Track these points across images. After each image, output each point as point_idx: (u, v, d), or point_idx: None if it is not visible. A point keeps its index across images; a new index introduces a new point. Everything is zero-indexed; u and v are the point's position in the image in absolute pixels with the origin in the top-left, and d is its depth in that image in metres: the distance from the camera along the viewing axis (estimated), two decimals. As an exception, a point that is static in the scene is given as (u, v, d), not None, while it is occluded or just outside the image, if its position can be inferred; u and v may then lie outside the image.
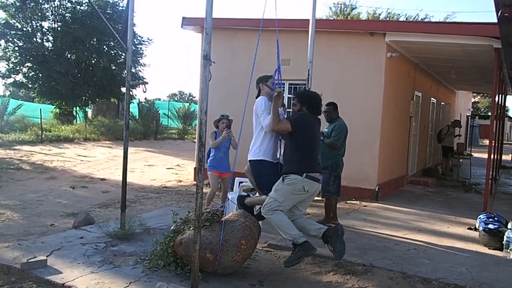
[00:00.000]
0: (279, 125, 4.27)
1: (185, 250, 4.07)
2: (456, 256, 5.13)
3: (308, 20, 5.53)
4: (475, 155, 17.41)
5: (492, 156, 8.07)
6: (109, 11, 22.23)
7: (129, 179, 8.01)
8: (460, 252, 5.30)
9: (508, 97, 15.93)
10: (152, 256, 4.37)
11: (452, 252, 5.27)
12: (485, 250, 5.44)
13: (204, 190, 4.26)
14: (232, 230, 4.13)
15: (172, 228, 4.50)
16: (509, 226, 5.50)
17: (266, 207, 4.12)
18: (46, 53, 21.58)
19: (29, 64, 21.89)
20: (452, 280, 4.28)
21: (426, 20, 25.59)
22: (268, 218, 4.12)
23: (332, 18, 25.57)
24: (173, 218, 4.62)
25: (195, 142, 12.10)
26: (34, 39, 21.64)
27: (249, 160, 4.49)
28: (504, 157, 16.63)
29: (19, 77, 22.55)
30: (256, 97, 4.65)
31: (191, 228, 4.16)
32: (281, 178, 4.18)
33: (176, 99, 67.26)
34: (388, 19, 26.48)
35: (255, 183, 4.54)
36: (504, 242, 5.29)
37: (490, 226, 5.78)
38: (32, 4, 21.04)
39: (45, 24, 22.21)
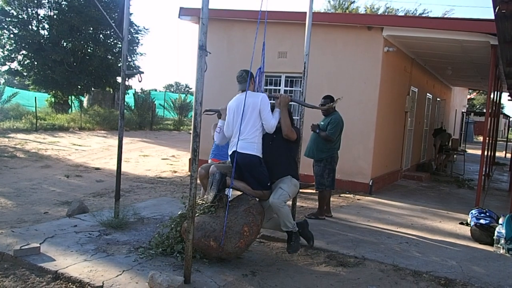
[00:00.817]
0: (292, 133, 4.61)
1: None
2: (447, 250, 5.18)
3: (305, 13, 5.51)
4: (469, 151, 17.55)
5: (485, 153, 8.13)
6: (105, 0, 22.06)
7: (124, 169, 8.04)
8: (451, 246, 5.35)
9: (504, 94, 15.97)
10: (155, 242, 4.44)
11: (443, 246, 5.32)
12: (476, 244, 5.50)
13: (199, 182, 4.27)
14: (236, 217, 4.19)
15: (179, 213, 4.58)
16: (500, 221, 5.56)
17: (281, 198, 4.34)
18: (42, 41, 21.40)
19: (24, 52, 21.71)
20: (443, 273, 4.33)
21: (425, 15, 25.62)
22: (280, 208, 4.33)
23: (330, 12, 25.51)
24: (181, 201, 4.77)
25: (190, 133, 12.10)
26: (30, 26, 21.45)
27: (253, 155, 4.42)
28: (497, 154, 16.76)
29: (14, 65, 22.41)
30: (240, 90, 4.61)
31: (198, 214, 4.25)
32: (290, 177, 4.54)
33: (172, 90, 67.07)
34: (386, 13, 26.45)
35: (250, 179, 4.49)
36: (494, 237, 5.34)
37: (482, 221, 5.83)
38: (28, -10, 20.84)
39: (41, 12, 22.04)
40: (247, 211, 4.25)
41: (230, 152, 4.58)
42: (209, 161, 6.21)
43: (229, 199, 4.33)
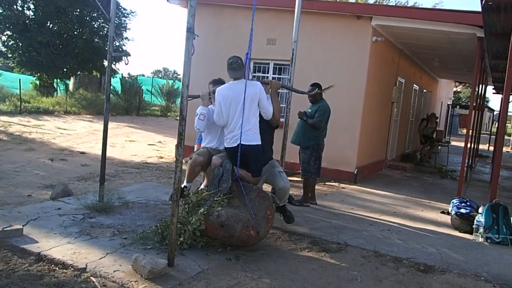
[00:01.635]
0: (280, 118, 5.04)
1: (229, 231, 4.03)
2: (427, 237, 5.29)
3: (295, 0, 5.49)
4: (454, 143, 17.81)
5: (469, 145, 8.27)
6: (93, -19, 21.63)
7: (110, 153, 7.98)
8: (431, 234, 5.46)
9: (489, 87, 16.19)
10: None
11: (424, 234, 5.43)
12: (456, 233, 5.63)
13: (184, 167, 4.27)
14: (255, 204, 4.30)
15: (187, 205, 4.31)
16: (479, 210, 5.69)
17: (287, 180, 4.94)
18: (27, 21, 20.92)
19: (8, 33, 21.19)
20: (422, 260, 4.42)
21: (415, 6, 25.67)
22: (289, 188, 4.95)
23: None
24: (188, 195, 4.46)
25: (177, 119, 12.04)
26: (15, 6, 20.92)
27: (259, 145, 4.57)
28: (481, 147, 17.03)
29: (-2, 46, 21.90)
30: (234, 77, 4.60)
31: (219, 208, 4.13)
32: (274, 160, 5.06)
33: (160, 75, 66.42)
34: (377, 3, 26.44)
35: (254, 167, 4.61)
36: (474, 226, 5.47)
37: (462, 210, 5.96)
38: (12, -30, 20.31)
39: (27, -9, 21.50)
40: (259, 196, 4.43)
41: (233, 145, 4.49)
42: (195, 147, 6.21)
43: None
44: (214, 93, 4.77)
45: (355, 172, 8.50)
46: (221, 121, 4.62)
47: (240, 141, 4.41)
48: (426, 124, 13.34)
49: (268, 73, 9.09)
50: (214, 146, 4.99)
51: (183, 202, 4.33)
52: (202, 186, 4.79)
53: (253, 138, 4.51)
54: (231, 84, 4.60)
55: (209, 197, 4.32)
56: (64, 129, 13.62)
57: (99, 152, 5.84)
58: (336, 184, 8.20)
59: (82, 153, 9.84)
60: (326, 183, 8.13)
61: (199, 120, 4.79)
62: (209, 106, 4.93)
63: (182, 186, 4.66)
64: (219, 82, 5.10)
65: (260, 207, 4.31)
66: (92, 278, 3.42)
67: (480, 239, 5.31)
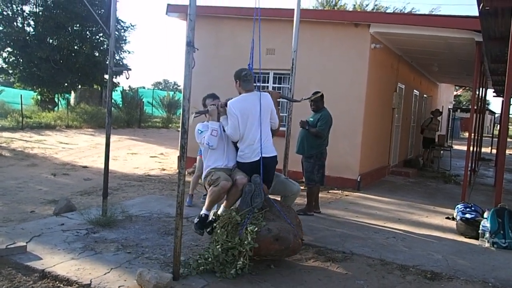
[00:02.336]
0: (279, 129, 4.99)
1: (284, 243, 4.00)
2: (433, 244, 5.25)
3: (293, 10, 5.53)
4: (456, 147, 17.77)
5: (471, 149, 8.24)
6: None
7: (112, 167, 7.97)
8: (437, 240, 5.43)
9: (489, 90, 16.20)
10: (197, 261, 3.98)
11: (429, 241, 5.39)
12: (462, 238, 5.58)
13: (187, 179, 4.27)
14: (286, 213, 4.44)
15: (252, 228, 4.03)
16: (485, 215, 5.65)
17: None
18: (27, 38, 21.08)
19: (9, 49, 21.36)
20: (429, 267, 4.39)
21: (413, 13, 25.79)
22: None
23: (318, 9, 25.57)
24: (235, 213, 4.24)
25: (179, 131, 12.05)
26: (15, 23, 21.11)
27: (276, 156, 4.65)
28: (483, 150, 16.98)
29: (-1, 62, 22.05)
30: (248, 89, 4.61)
31: (264, 223, 4.07)
32: None
33: (160, 87, 66.70)
34: (374, 11, 26.59)
35: (270, 178, 4.66)
36: (480, 231, 5.43)
37: (467, 215, 5.92)
38: (12, -13, 20.51)
39: (26, 8, 21.68)
40: (283, 206, 4.62)
41: (255, 159, 4.41)
42: (197, 158, 6.22)
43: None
44: (222, 106, 4.58)
45: (358, 179, 8.48)
46: (237, 135, 4.43)
47: (262, 154, 4.40)
48: (431, 120, 13.34)
49: (268, 82, 9.11)
50: (223, 165, 4.54)
51: (219, 225, 4.17)
52: (221, 209, 4.42)
53: (272, 149, 4.59)
54: (245, 97, 4.50)
55: (244, 216, 4.21)
56: (66, 143, 13.65)
57: (102, 166, 5.84)
58: (340, 191, 8.17)
59: (85, 167, 9.84)
60: (330, 191, 8.10)
61: (212, 137, 4.41)
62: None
63: (202, 214, 4.43)
64: (215, 97, 5.01)
65: (291, 215, 4.48)
66: (97, 294, 3.40)
67: (486, 244, 5.27)
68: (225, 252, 3.95)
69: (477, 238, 5.46)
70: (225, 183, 4.28)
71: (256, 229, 3.98)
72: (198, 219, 4.47)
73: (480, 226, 5.44)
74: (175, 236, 3.68)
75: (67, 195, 6.85)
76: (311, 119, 6.36)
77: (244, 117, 4.40)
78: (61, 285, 3.56)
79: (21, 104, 17.48)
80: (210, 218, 4.42)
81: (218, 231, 4.11)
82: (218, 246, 3.96)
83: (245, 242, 3.92)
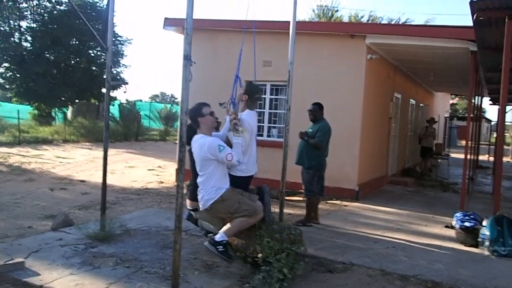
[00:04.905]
0: None
1: None
2: (433, 253, 5.24)
3: (289, 22, 5.57)
4: (453, 155, 17.77)
5: (468, 157, 8.27)
6: (88, 11, 21.94)
7: (110, 180, 7.95)
8: (437, 249, 5.41)
9: (485, 99, 16.29)
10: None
11: (429, 250, 5.38)
12: (462, 247, 5.57)
13: (185, 191, 4.26)
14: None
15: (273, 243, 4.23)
16: (484, 223, 5.64)
17: None
18: (24, 53, 21.18)
19: (6, 64, 21.44)
20: (429, 276, 4.37)
21: (408, 23, 26.02)
22: None
23: (314, 20, 25.78)
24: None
25: (176, 143, 12.04)
26: (12, 39, 21.22)
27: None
28: (481, 157, 17.02)
29: (-4, 78, 22.11)
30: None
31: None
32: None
33: (157, 100, 66.82)
34: (370, 22, 26.82)
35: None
36: (479, 240, 5.43)
37: (466, 224, 5.91)
38: (10, 3, 20.62)
39: (23, 24, 21.84)
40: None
41: (254, 171, 4.65)
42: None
43: None
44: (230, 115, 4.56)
45: (357, 189, 8.47)
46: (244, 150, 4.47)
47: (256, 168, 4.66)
48: (426, 129, 13.42)
49: (265, 94, 9.15)
50: (228, 182, 4.39)
51: (266, 237, 4.26)
52: (222, 235, 4.24)
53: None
54: (252, 113, 4.72)
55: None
56: (64, 157, 13.62)
57: (99, 180, 5.83)
58: (338, 202, 8.16)
59: (82, 181, 9.81)
60: (328, 202, 8.08)
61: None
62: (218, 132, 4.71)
63: (224, 241, 4.20)
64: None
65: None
66: (96, 310, 3.37)
67: (486, 253, 5.26)
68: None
69: (476, 247, 5.46)
70: (261, 213, 4.32)
71: (298, 231, 4.53)
72: (223, 248, 4.17)
73: (480, 235, 5.44)
74: (174, 249, 3.66)
75: (64, 210, 6.81)
76: (310, 130, 6.38)
77: (253, 133, 4.62)
78: (60, 301, 3.52)
79: (18, 119, 17.47)
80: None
81: (269, 241, 4.21)
82: (283, 255, 4.13)
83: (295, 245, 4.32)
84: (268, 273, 3.96)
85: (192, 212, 4.80)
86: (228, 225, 4.23)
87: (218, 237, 4.19)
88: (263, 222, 4.41)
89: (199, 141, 4.26)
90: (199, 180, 4.31)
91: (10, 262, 4.06)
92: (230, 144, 4.37)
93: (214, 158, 4.14)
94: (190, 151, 4.62)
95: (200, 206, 4.37)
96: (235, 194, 4.26)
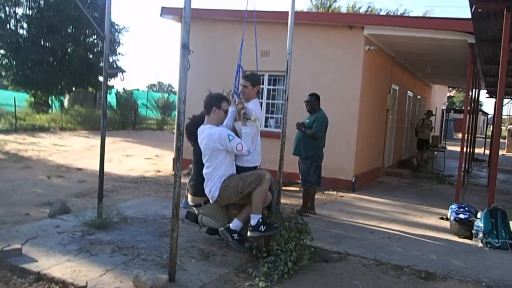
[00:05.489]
0: None
1: None
2: (427, 244, 5.29)
3: (288, 12, 5.54)
4: (450, 148, 17.87)
5: (465, 149, 8.31)
6: (85, -2, 21.78)
7: (107, 169, 7.94)
8: (431, 240, 5.47)
9: (482, 91, 16.33)
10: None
11: (424, 241, 5.43)
12: (456, 238, 5.63)
13: (183, 180, 4.27)
14: None
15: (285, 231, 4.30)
16: (478, 215, 5.70)
17: None
18: (20, 40, 21.01)
19: (2, 52, 21.30)
20: (423, 267, 4.42)
21: (406, 15, 25.94)
22: None
23: (312, 11, 25.66)
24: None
25: (174, 133, 12.05)
26: (8, 25, 21.03)
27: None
28: (477, 150, 17.11)
29: (-8, 65, 21.95)
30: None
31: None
32: None
33: (155, 89, 66.59)
34: (368, 13, 26.72)
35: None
36: (473, 231, 5.48)
37: (461, 215, 5.97)
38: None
39: (19, 11, 21.64)
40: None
41: (259, 162, 4.73)
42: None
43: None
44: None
45: (353, 180, 8.52)
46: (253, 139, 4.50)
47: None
48: (423, 121, 13.47)
49: (263, 84, 9.13)
50: (235, 170, 4.40)
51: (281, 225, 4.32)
52: (237, 222, 4.36)
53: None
54: (258, 104, 4.80)
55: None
56: (60, 145, 13.60)
57: (96, 168, 5.84)
58: (335, 192, 8.21)
59: (79, 169, 9.81)
60: (325, 192, 8.13)
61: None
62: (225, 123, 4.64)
63: (259, 220, 4.20)
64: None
65: None
66: (93, 296, 3.40)
67: (480, 244, 5.31)
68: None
69: (470, 238, 5.51)
70: (269, 175, 4.24)
71: (303, 220, 4.61)
72: (264, 225, 4.15)
73: (474, 226, 5.50)
74: (171, 237, 3.69)
75: (62, 197, 6.83)
76: (307, 121, 6.39)
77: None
78: (57, 287, 3.54)
79: (15, 106, 17.39)
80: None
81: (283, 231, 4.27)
82: (291, 244, 4.20)
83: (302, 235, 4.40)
84: (274, 264, 4.02)
85: (194, 208, 4.78)
86: (248, 211, 4.26)
87: (252, 222, 4.19)
88: (269, 210, 4.43)
89: (207, 131, 4.21)
90: (205, 171, 4.26)
91: (7, 248, 4.07)
92: (236, 135, 4.37)
93: (224, 148, 4.11)
94: (194, 146, 4.63)
95: (210, 198, 4.35)
96: (234, 175, 4.28)
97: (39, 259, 4.03)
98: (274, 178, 4.61)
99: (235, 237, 4.23)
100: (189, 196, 4.76)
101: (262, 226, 4.16)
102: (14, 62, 21.23)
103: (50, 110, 22.63)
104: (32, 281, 3.64)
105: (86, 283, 3.57)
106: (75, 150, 12.93)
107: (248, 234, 4.22)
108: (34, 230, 4.86)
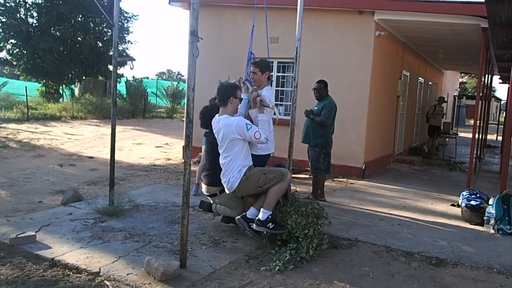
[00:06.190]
0: None
1: None
2: (438, 231, 5.28)
3: (297, -3, 5.48)
4: (461, 134, 17.69)
5: (477, 136, 8.21)
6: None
7: (118, 157, 8.02)
8: (442, 227, 5.45)
9: (495, 77, 16.07)
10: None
11: (435, 227, 5.41)
12: (467, 225, 5.60)
13: (193, 168, 4.29)
14: None
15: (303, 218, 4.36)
16: (490, 202, 5.66)
17: None
18: (30, 29, 21.07)
19: (13, 41, 21.35)
20: (434, 253, 4.41)
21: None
22: None
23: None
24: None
25: (183, 121, 12.08)
26: (18, 14, 21.08)
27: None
28: (489, 137, 16.91)
29: (3, 54, 22.05)
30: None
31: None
32: None
33: (164, 77, 66.64)
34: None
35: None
36: (485, 218, 5.45)
37: (472, 202, 5.93)
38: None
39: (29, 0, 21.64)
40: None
41: (272, 149, 4.70)
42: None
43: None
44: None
45: (363, 167, 8.48)
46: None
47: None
48: (434, 108, 13.33)
49: (272, 72, 9.08)
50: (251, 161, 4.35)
51: (294, 212, 4.36)
52: (254, 210, 4.35)
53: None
54: (271, 91, 4.78)
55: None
56: (72, 134, 13.72)
57: (107, 156, 5.89)
58: (344, 180, 8.19)
59: (91, 157, 9.91)
60: (335, 179, 8.12)
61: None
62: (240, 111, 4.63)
63: (269, 216, 4.21)
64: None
65: None
66: (106, 281, 3.46)
67: (492, 231, 5.28)
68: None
69: (482, 225, 5.49)
70: (290, 174, 4.31)
71: (319, 205, 4.71)
72: (273, 223, 4.18)
73: (485, 213, 5.46)
74: (182, 224, 3.72)
75: (74, 185, 6.92)
76: (315, 108, 6.36)
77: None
78: (71, 273, 3.61)
79: (26, 95, 17.54)
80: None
81: (296, 217, 4.32)
82: (308, 231, 4.27)
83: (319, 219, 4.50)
84: (296, 251, 4.08)
85: (209, 198, 4.79)
86: (264, 201, 4.22)
87: (262, 216, 4.18)
88: (285, 198, 4.44)
89: (223, 121, 4.16)
90: (223, 161, 4.22)
91: (22, 235, 4.15)
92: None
93: (242, 138, 4.08)
94: (206, 134, 4.63)
95: (227, 189, 4.30)
96: (257, 168, 4.26)
97: (53, 246, 4.10)
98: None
99: (271, 227, 4.19)
100: (204, 186, 4.76)
101: (270, 223, 4.18)
102: (25, 51, 21.32)
103: (61, 99, 22.79)
104: (47, 267, 3.71)
105: (99, 269, 3.63)
106: (86, 138, 13.04)
107: (254, 227, 4.22)
108: (48, 217, 4.94)
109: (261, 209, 4.21)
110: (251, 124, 4.14)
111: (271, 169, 4.29)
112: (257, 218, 4.21)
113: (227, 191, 4.34)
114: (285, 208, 4.36)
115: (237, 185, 4.17)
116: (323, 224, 4.54)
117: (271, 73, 9.00)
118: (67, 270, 3.66)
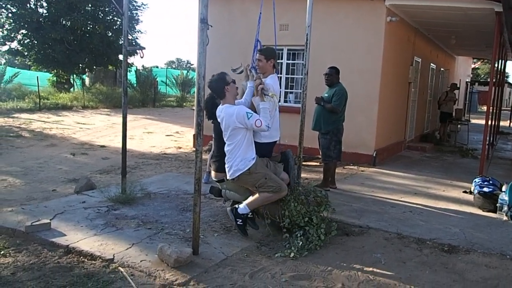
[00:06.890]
0: None
1: None
2: (450, 217, 5.25)
3: (307, -17, 5.41)
4: (474, 121, 17.49)
5: (489, 122, 8.11)
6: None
7: (129, 146, 8.08)
8: (454, 214, 5.42)
9: (508, 62, 15.80)
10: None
11: (447, 214, 5.39)
12: (479, 212, 5.57)
13: (204, 156, 4.31)
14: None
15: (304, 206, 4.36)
16: (503, 189, 5.61)
17: None
18: (41, 19, 21.17)
19: (23, 31, 21.50)
20: (446, 240, 4.40)
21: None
22: None
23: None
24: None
25: (193, 109, 12.11)
26: (28, 5, 21.17)
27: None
28: (502, 123, 16.69)
29: (14, 45, 22.24)
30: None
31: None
32: None
33: (174, 66, 66.67)
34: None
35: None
36: (498, 205, 5.41)
37: (485, 189, 5.89)
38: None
39: (39, -11, 21.71)
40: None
41: (277, 137, 4.69)
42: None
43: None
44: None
45: (374, 155, 8.44)
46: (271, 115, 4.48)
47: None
48: (446, 94, 13.17)
49: (282, 59, 9.03)
50: (255, 154, 4.32)
51: (293, 200, 4.36)
52: (244, 206, 4.32)
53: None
54: (276, 79, 4.68)
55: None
56: (83, 123, 13.84)
57: (119, 145, 5.94)
58: (355, 167, 8.17)
59: (102, 146, 10.00)
60: (345, 167, 8.10)
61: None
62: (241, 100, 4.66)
63: (245, 214, 4.28)
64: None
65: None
66: (120, 268, 3.51)
67: (504, 218, 5.24)
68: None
69: (495, 212, 5.45)
70: (287, 191, 4.31)
71: (323, 193, 4.67)
72: (242, 222, 4.27)
73: (498, 200, 5.42)
74: (194, 212, 3.75)
75: (86, 174, 6.99)
76: (326, 95, 6.32)
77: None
78: (86, 259, 3.67)
79: (38, 85, 17.70)
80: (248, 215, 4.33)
81: (296, 205, 4.31)
82: (309, 218, 4.29)
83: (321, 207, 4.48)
84: (306, 238, 4.11)
85: (218, 183, 4.82)
86: (252, 198, 4.25)
87: (241, 209, 4.25)
88: (288, 186, 4.44)
89: (225, 110, 4.18)
90: (226, 148, 4.26)
91: (37, 223, 4.22)
92: (254, 110, 4.35)
93: (243, 126, 4.08)
94: (214, 122, 4.64)
95: (228, 175, 4.32)
96: (262, 168, 4.24)
97: (68, 233, 4.16)
98: (294, 153, 4.61)
99: (238, 222, 4.27)
100: (213, 172, 4.79)
101: (240, 220, 4.27)
102: (36, 42, 21.46)
103: (72, 89, 22.96)
104: (62, 254, 3.77)
105: (113, 256, 3.69)
106: (97, 127, 13.15)
107: (228, 209, 4.42)
108: (62, 205, 5.01)
109: (244, 203, 4.27)
110: (252, 112, 4.14)
111: (274, 178, 4.25)
112: (237, 206, 4.29)
113: (228, 177, 4.37)
114: (286, 196, 4.35)
115: (238, 176, 4.21)
116: (327, 211, 4.49)
117: (281, 61, 8.98)
118: (81, 257, 3.72)
